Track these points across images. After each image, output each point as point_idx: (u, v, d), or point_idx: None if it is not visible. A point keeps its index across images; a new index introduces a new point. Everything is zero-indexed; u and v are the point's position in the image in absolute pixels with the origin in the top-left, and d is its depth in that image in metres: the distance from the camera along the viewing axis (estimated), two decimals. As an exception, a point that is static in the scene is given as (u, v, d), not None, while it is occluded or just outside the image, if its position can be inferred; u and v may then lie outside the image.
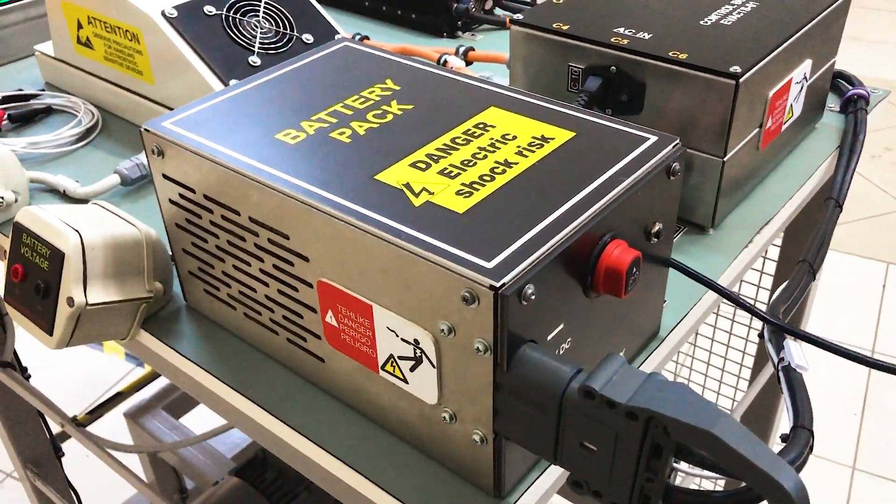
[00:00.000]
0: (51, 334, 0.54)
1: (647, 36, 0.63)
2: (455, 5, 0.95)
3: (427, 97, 0.53)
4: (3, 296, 0.57)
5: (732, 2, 0.68)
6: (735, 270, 0.61)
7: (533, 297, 0.39)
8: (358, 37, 0.91)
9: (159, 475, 1.26)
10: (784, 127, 0.68)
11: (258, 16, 0.75)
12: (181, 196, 0.52)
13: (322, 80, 0.56)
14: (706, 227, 0.64)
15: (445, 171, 0.46)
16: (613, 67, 0.62)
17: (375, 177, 0.46)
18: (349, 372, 0.49)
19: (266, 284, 0.50)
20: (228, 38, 0.73)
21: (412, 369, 0.44)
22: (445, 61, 0.84)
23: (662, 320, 0.56)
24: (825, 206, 0.67)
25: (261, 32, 0.74)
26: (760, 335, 0.50)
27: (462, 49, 0.86)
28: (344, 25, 0.98)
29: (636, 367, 0.39)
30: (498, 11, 1.01)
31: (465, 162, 0.47)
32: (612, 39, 0.62)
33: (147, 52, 0.74)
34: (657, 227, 0.48)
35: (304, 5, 0.77)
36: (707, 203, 0.63)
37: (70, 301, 0.52)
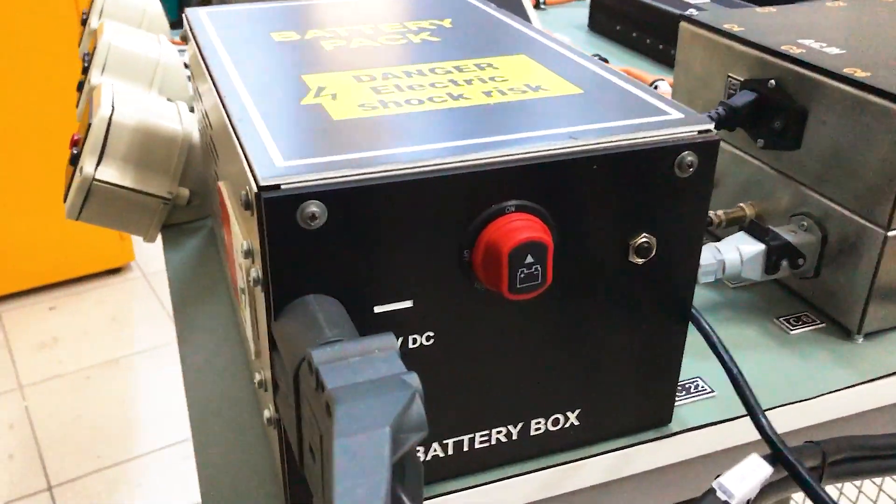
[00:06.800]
0: (65, 201, 0.54)
1: (833, 51, 0.45)
2: (720, 45, 0.81)
3: (464, 37, 0.43)
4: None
5: None
6: (863, 399, 0.41)
7: (320, 220, 0.28)
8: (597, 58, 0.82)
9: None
10: None
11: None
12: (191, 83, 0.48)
13: (392, 7, 0.49)
14: (852, 331, 0.44)
15: (380, 88, 0.36)
16: (772, 81, 0.46)
17: (302, 76, 0.37)
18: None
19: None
20: None
21: (248, 305, 0.35)
22: (656, 86, 0.71)
23: (683, 412, 0.38)
24: None
25: None
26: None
27: (686, 80, 0.72)
28: (608, 55, 0.89)
29: (401, 362, 0.25)
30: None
31: (414, 86, 0.36)
32: (783, 48, 0.46)
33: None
34: (643, 239, 0.33)
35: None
36: (856, 295, 0.43)
37: (81, 170, 0.51)
